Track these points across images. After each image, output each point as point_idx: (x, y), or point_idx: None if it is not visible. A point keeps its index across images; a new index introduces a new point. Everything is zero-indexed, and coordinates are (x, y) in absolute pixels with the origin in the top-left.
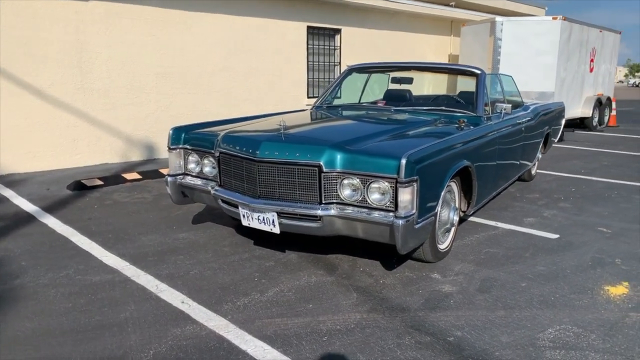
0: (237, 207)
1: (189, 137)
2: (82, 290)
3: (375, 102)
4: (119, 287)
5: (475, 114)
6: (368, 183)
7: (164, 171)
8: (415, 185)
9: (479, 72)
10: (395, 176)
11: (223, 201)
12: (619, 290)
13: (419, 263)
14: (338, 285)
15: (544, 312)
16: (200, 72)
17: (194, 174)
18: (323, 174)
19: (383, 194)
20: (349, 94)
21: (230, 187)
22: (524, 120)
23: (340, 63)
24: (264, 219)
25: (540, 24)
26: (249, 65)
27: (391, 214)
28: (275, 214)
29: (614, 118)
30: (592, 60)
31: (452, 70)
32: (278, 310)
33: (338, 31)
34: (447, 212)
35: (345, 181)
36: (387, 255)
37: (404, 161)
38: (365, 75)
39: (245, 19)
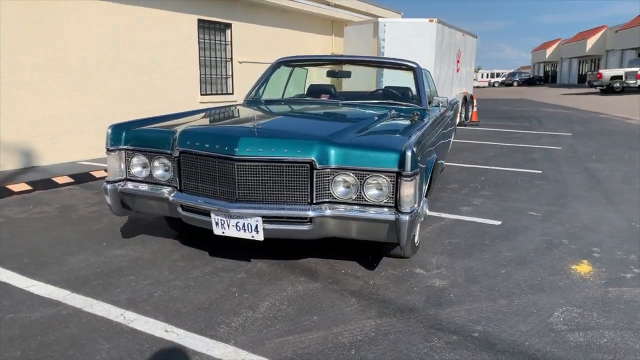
0: (206, 214)
1: (132, 136)
2: (25, 333)
3: (318, 96)
4: (74, 322)
5: (420, 107)
6: (365, 178)
7: (59, 180)
8: (417, 178)
9: (415, 65)
10: (396, 170)
11: (185, 208)
12: (584, 268)
13: (396, 260)
14: (329, 291)
15: (538, 296)
16: (85, 66)
17: (139, 179)
18: (315, 171)
19: (381, 189)
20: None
21: (196, 192)
22: (449, 113)
23: (232, 59)
24: (244, 226)
25: (418, 26)
26: (140, 59)
27: (387, 209)
28: (259, 219)
29: (475, 114)
30: (458, 61)
31: (387, 63)
32: (283, 327)
33: (229, 26)
34: (422, 205)
35: (339, 178)
36: (359, 254)
37: (409, 153)
38: (288, 70)
39: (135, 8)
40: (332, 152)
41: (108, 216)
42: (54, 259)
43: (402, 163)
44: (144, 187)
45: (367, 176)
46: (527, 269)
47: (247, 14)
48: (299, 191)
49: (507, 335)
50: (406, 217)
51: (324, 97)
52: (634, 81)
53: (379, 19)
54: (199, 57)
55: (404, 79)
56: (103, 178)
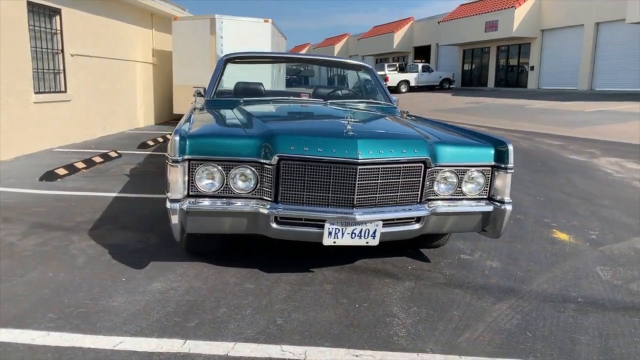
0: (314, 225)
1: (201, 144)
2: None
3: (298, 95)
4: None
5: (392, 105)
6: (464, 174)
7: None
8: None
9: (370, 66)
10: (492, 163)
11: (282, 222)
12: (562, 236)
13: (434, 249)
14: (426, 287)
15: (565, 263)
16: None
17: (208, 194)
18: (428, 170)
19: (478, 183)
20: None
21: (300, 201)
22: None
23: (63, 51)
24: (360, 232)
25: (255, 25)
26: None
27: (482, 202)
28: (380, 223)
29: None
30: None
31: (343, 64)
32: (460, 328)
33: (58, 11)
34: None
35: (441, 175)
36: (392, 250)
37: (511, 147)
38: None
39: None
40: (440, 150)
41: (70, 246)
42: (86, 308)
43: (501, 157)
44: (214, 202)
45: (467, 171)
46: (521, 243)
47: None
48: (411, 191)
49: (596, 293)
50: (509, 207)
51: (304, 96)
52: (384, 83)
53: (216, 16)
54: (30, 47)
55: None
56: None
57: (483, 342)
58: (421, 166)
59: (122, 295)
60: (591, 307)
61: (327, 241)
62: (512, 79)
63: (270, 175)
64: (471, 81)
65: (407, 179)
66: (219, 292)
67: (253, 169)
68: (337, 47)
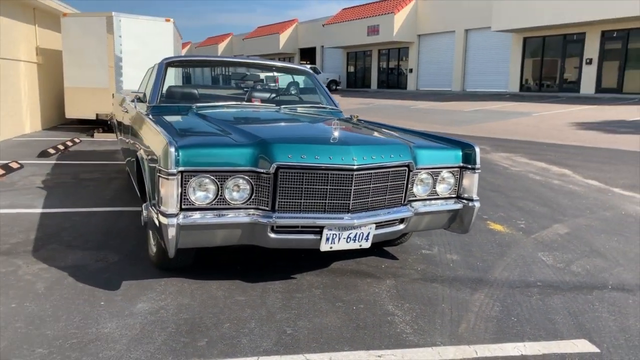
0: (311, 232)
1: (194, 154)
2: None
3: (250, 100)
4: None
5: (337, 108)
6: (438, 175)
7: None
8: None
9: (311, 71)
10: (461, 165)
11: (278, 230)
12: (497, 227)
13: (396, 247)
14: (409, 282)
15: (519, 249)
16: None
17: (202, 206)
18: (411, 173)
19: (449, 183)
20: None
21: (297, 209)
22: None
23: None
24: (355, 236)
25: (156, 24)
26: None
27: (452, 200)
28: (373, 226)
29: None
30: None
31: (286, 69)
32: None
33: None
34: None
35: (419, 177)
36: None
37: (477, 149)
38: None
39: None
40: (419, 154)
41: (19, 271)
42: (77, 338)
43: (468, 159)
44: (210, 215)
45: (439, 173)
46: (467, 236)
47: None
48: (397, 194)
49: (548, 277)
50: (477, 204)
51: (256, 101)
52: (274, 84)
53: (113, 13)
54: None
55: None
56: None
57: (480, 331)
58: (405, 170)
59: (109, 320)
60: (550, 290)
61: (324, 247)
62: (393, 80)
63: (266, 185)
64: (356, 83)
65: (394, 183)
66: (212, 307)
67: (248, 179)
68: (221, 47)
